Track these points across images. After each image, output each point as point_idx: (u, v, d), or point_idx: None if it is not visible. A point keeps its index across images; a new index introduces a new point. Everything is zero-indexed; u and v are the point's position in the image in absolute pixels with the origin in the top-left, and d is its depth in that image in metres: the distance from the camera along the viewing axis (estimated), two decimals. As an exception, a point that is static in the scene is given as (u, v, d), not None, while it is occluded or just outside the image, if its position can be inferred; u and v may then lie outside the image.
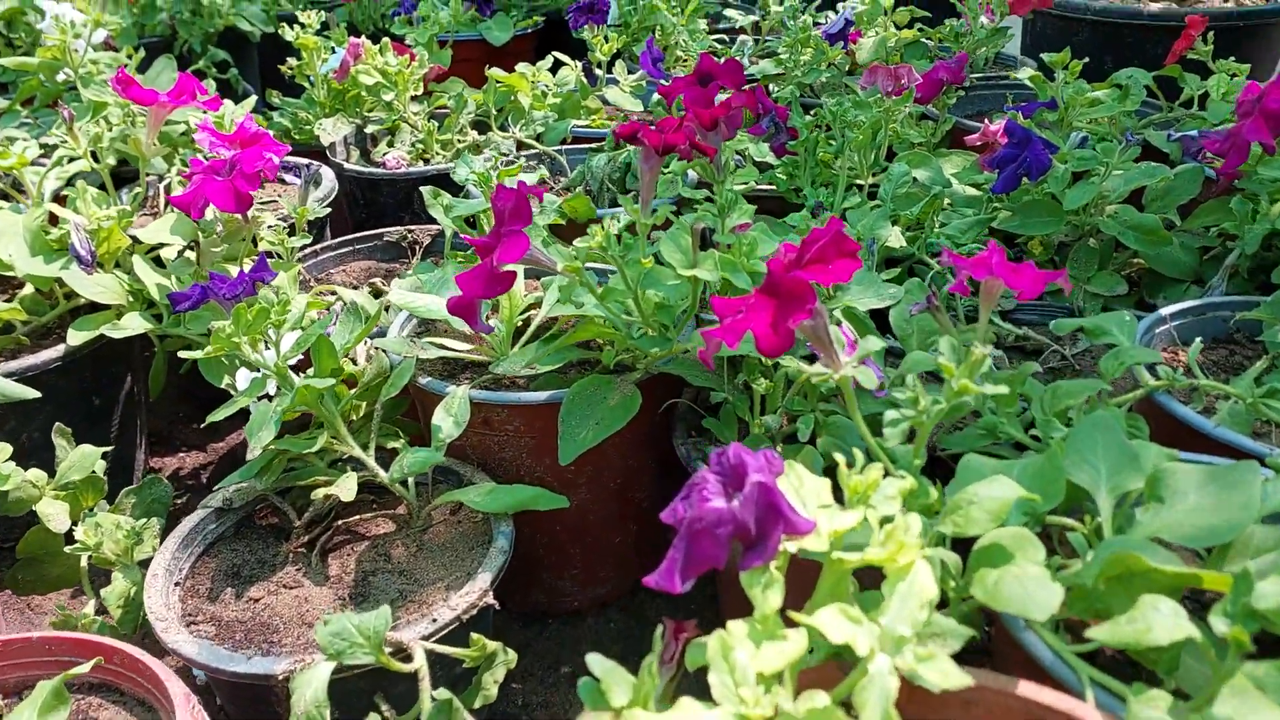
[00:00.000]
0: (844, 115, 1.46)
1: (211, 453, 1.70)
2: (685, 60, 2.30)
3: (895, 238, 1.43)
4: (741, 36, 2.18)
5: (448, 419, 1.11)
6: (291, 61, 2.03)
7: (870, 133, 1.53)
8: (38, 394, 1.21)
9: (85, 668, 0.88)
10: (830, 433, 1.06)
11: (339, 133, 1.92)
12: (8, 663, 0.93)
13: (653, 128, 1.03)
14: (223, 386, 1.24)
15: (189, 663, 0.93)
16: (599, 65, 2.06)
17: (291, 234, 1.45)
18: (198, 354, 1.11)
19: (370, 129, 1.97)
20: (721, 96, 1.36)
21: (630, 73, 2.11)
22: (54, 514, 1.14)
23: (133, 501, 1.24)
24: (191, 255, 1.46)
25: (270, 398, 1.18)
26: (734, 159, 1.59)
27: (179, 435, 1.74)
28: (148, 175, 1.59)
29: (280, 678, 0.90)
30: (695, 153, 1.02)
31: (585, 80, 2.03)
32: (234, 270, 1.37)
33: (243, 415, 1.77)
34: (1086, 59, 1.73)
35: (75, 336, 1.33)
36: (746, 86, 1.60)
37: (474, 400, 1.12)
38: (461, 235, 1.42)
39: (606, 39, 2.01)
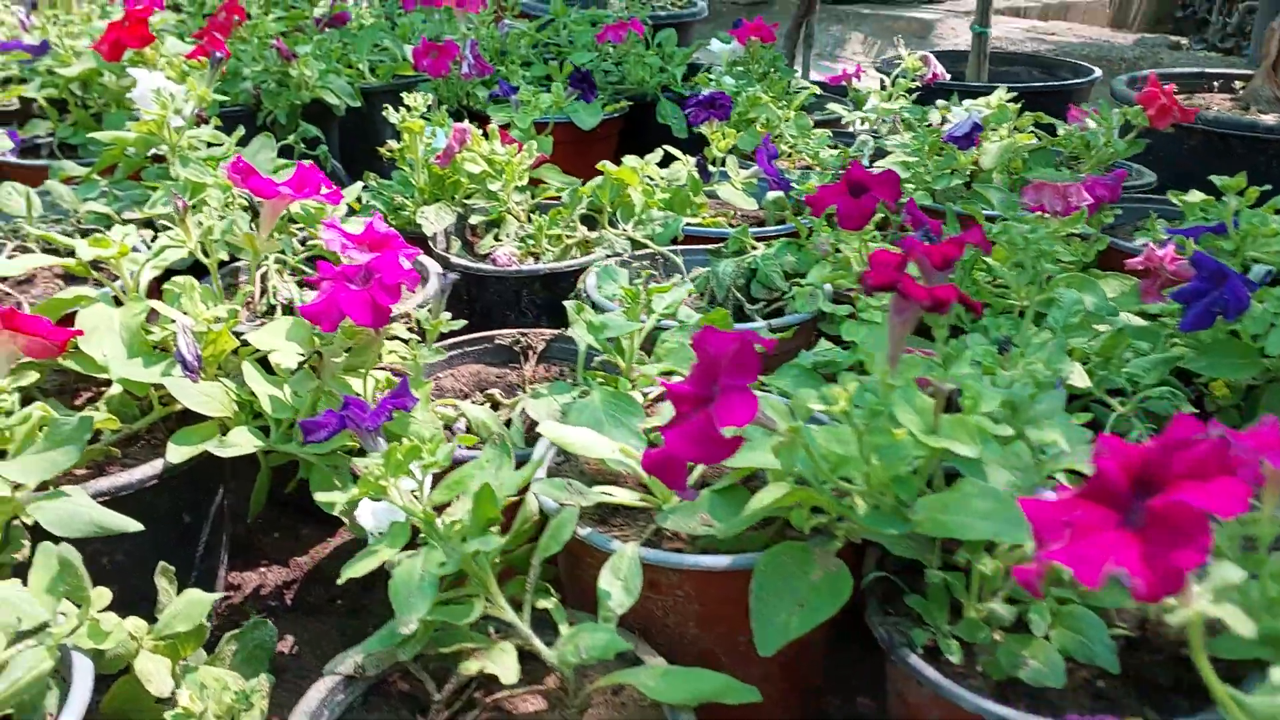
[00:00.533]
0: (1028, 238, 1.34)
1: (294, 568, 1.55)
2: (791, 155, 2.20)
3: (1079, 376, 1.29)
4: (862, 136, 2.08)
5: (616, 584, 0.97)
6: (391, 144, 1.93)
7: (1037, 255, 1.41)
8: (140, 526, 1.07)
9: None
10: (1067, 626, 0.92)
11: (442, 222, 1.80)
12: None
13: (894, 269, 0.90)
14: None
15: None
16: (714, 161, 1.95)
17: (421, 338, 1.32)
18: (339, 496, 0.97)
19: (474, 219, 1.85)
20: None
21: (742, 168, 2.00)
22: (154, 673, 0.99)
23: (234, 649, 1.09)
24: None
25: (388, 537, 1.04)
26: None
27: (258, 543, 1.59)
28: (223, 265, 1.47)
29: None
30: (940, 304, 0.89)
31: (697, 175, 1.92)
32: (356, 385, 1.24)
33: (324, 526, 1.66)
34: (1192, 168, 1.63)
35: (177, 453, 1.19)
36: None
37: (643, 561, 0.98)
38: (596, 351, 1.29)
39: (724, 134, 1.91)
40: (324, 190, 1.34)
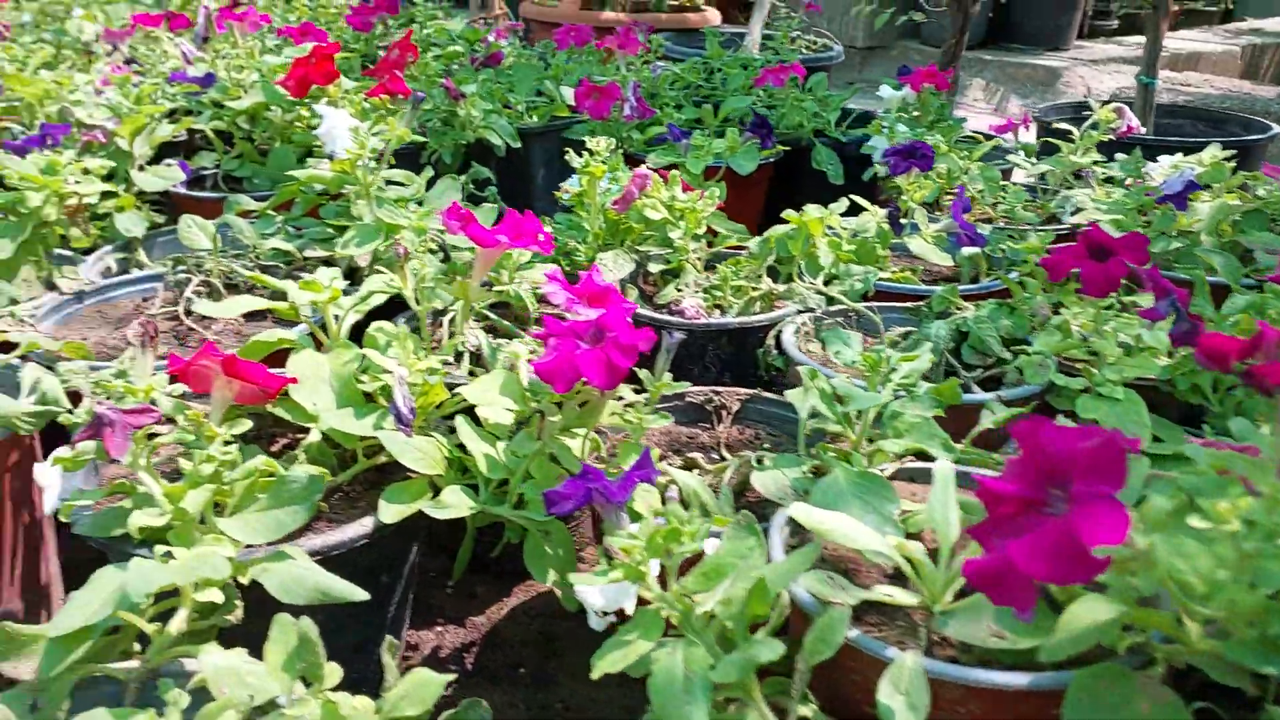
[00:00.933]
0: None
1: (471, 628, 1.48)
2: (976, 206, 2.08)
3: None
4: (1065, 192, 1.95)
5: (898, 698, 0.85)
6: (568, 186, 1.87)
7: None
8: (368, 596, 1.00)
9: None
10: None
11: (620, 270, 1.73)
12: None
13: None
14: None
15: None
16: (908, 212, 1.84)
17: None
18: (591, 580, 0.89)
19: (653, 267, 1.78)
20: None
21: (931, 221, 1.89)
22: (383, 761, 0.91)
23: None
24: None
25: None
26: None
27: (433, 599, 1.52)
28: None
29: None
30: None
31: (888, 227, 1.82)
32: (575, 446, 1.16)
33: (499, 583, 1.58)
34: None
35: (390, 512, 1.12)
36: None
37: (933, 678, 0.87)
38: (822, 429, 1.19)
39: (920, 184, 1.80)
40: (539, 238, 1.27)
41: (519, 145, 2.38)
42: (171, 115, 2.44)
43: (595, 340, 1.09)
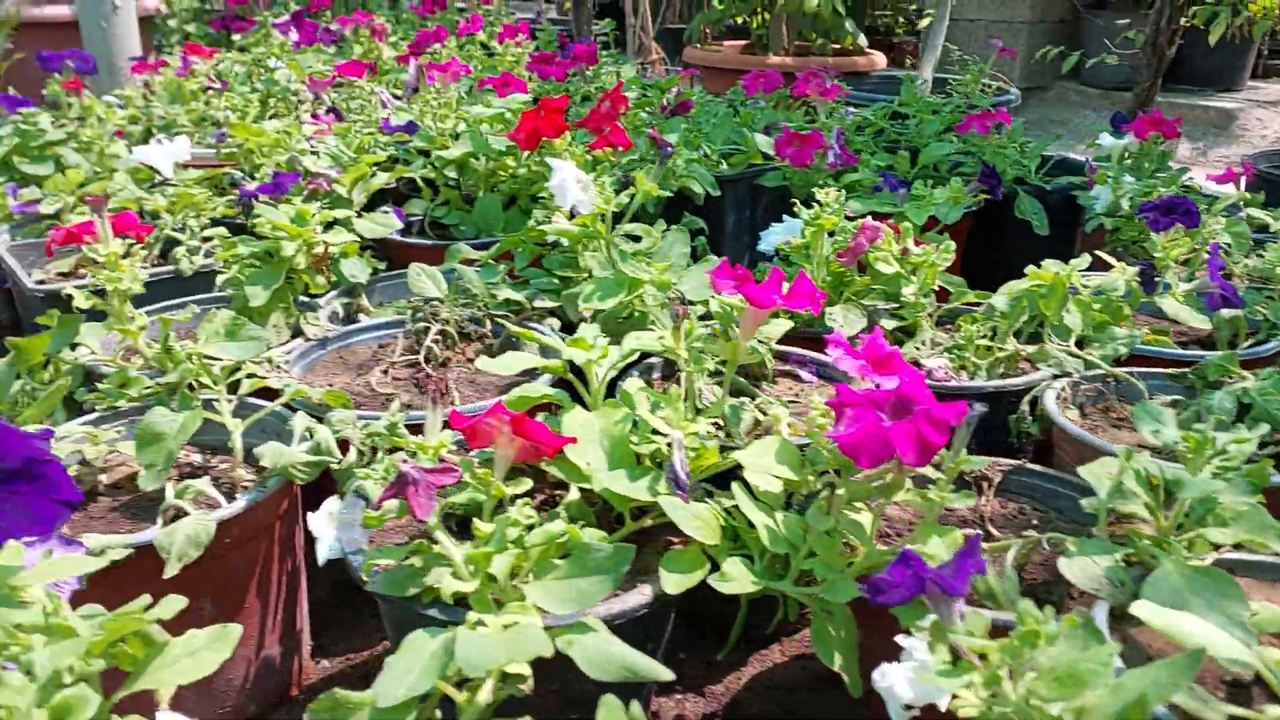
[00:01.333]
0: None
1: (711, 698, 1.43)
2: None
3: None
4: (1336, 253, 1.80)
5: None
6: (788, 239, 1.83)
7: None
8: (673, 675, 0.96)
9: None
10: None
11: (853, 326, 1.68)
12: None
13: None
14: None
15: None
16: (1164, 268, 1.73)
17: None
18: (947, 684, 0.82)
19: (886, 324, 1.71)
20: None
21: (1182, 280, 1.77)
22: None
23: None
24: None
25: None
26: None
27: (671, 664, 1.48)
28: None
29: None
30: None
31: (1139, 287, 1.70)
32: (865, 523, 1.10)
33: (736, 650, 1.53)
34: None
35: (671, 583, 1.08)
36: None
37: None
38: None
39: (1178, 241, 1.69)
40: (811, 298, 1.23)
41: (718, 194, 2.36)
42: (387, 164, 2.52)
43: (898, 413, 1.04)
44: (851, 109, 2.88)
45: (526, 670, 0.94)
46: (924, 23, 4.68)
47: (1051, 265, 1.73)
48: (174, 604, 0.85)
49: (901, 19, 7.40)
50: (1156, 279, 1.74)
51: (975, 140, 2.61)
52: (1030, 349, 1.63)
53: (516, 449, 1.14)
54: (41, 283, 1.82)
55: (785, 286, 1.26)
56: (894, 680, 0.96)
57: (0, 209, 2.28)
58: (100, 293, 1.44)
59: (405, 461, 1.04)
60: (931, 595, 0.91)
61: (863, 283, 1.81)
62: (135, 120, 2.96)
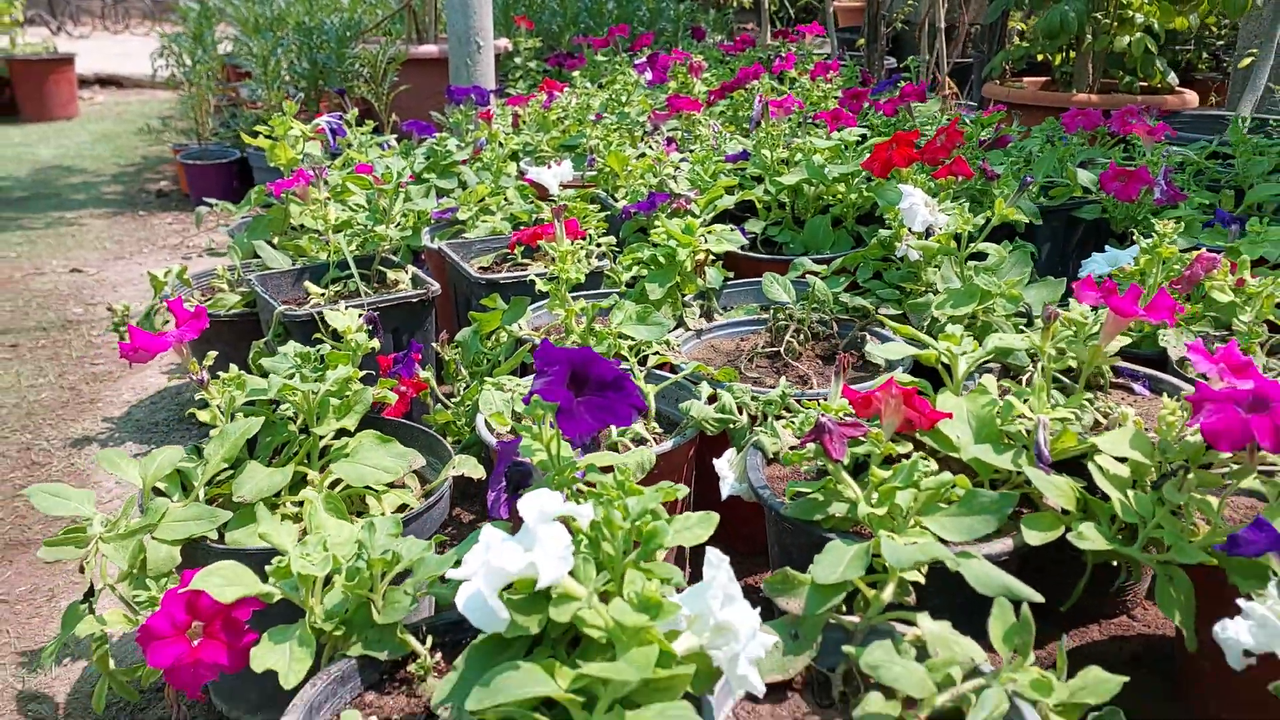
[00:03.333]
0: None
1: (1037, 661, 1.62)
2: None
3: None
4: None
5: None
6: (1119, 268, 1.98)
7: None
8: (1042, 599, 1.19)
9: None
10: None
11: (1183, 350, 1.81)
12: None
13: None
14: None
15: None
16: None
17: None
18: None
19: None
20: None
21: None
22: (1073, 737, 1.08)
23: (1100, 732, 1.16)
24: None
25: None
26: None
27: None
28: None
29: None
30: None
31: None
32: (1213, 501, 1.28)
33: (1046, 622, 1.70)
34: None
35: (1034, 537, 1.31)
36: None
37: None
38: None
39: None
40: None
41: (1039, 223, 2.53)
42: (732, 189, 2.88)
43: (1255, 407, 1.21)
44: (1171, 147, 2.94)
45: (919, 578, 1.21)
46: (1245, 62, 4.54)
47: None
48: (680, 491, 1.18)
49: (1206, 54, 7.05)
50: None
51: (1309, 179, 2.61)
52: None
53: (900, 418, 1.41)
54: (484, 270, 2.30)
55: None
56: (1236, 631, 1.14)
57: (423, 216, 2.84)
58: (552, 279, 1.86)
59: (823, 415, 1.33)
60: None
61: (1193, 310, 1.94)
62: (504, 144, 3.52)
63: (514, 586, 1.02)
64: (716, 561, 1.01)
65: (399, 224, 2.52)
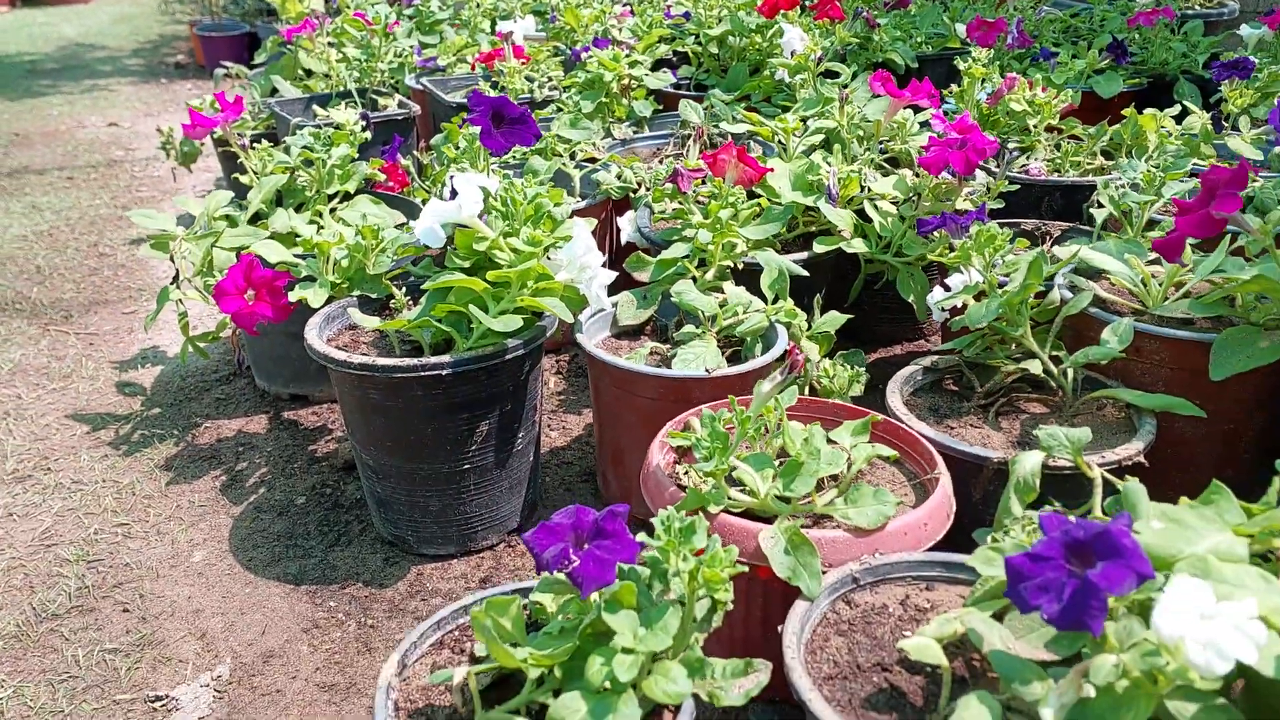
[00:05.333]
0: None
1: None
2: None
3: None
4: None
5: (1114, 338, 1.50)
6: (954, 87, 2.55)
7: None
8: (805, 273, 1.79)
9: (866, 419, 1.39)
10: None
11: (984, 145, 2.39)
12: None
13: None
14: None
15: (928, 440, 1.41)
16: (1227, 117, 2.31)
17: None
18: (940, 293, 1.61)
19: (1010, 144, 2.41)
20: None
21: (1253, 126, 2.33)
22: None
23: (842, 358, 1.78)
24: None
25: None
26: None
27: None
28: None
29: (995, 460, 1.35)
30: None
31: (1210, 128, 2.30)
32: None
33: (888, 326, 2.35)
34: None
35: (819, 249, 1.92)
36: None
37: (1138, 330, 1.50)
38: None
39: (1242, 92, 2.27)
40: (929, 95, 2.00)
41: (916, 66, 3.07)
42: (666, 40, 3.41)
43: (960, 148, 1.80)
44: (1045, 7, 3.45)
45: (735, 265, 1.82)
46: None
47: (1151, 112, 2.36)
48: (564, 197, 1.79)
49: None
50: (1225, 124, 2.32)
51: (1146, 33, 3.14)
52: (1109, 164, 2.28)
53: (739, 174, 2.00)
54: (453, 100, 2.87)
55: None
56: (937, 295, 1.75)
57: (409, 63, 3.38)
58: (501, 90, 2.43)
59: (678, 164, 1.93)
60: (950, 229, 1.68)
61: (1004, 122, 2.51)
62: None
63: (456, 248, 1.63)
64: (581, 225, 1.62)
65: (389, 61, 3.07)
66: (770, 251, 1.82)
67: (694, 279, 1.81)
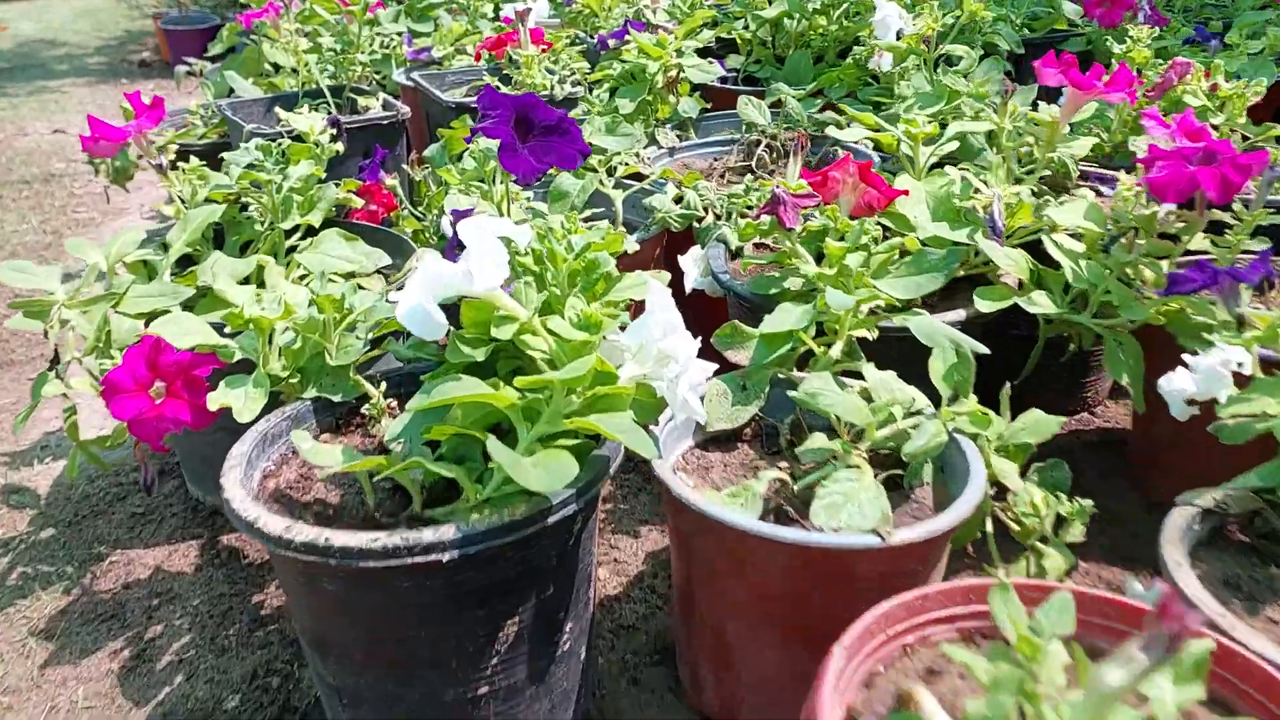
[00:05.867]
0: None
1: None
2: None
3: None
4: None
5: None
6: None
7: None
8: (987, 350, 1.21)
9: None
10: None
11: (1155, 151, 1.80)
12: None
13: None
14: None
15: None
16: None
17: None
18: (1183, 375, 1.03)
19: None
20: None
21: None
22: (1007, 472, 1.12)
23: (1037, 478, 1.20)
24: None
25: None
26: None
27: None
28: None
29: None
30: None
31: None
32: (1163, 264, 1.29)
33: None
34: None
35: (985, 305, 1.33)
36: None
37: None
38: None
39: None
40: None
41: (1022, 51, 2.48)
42: (712, 24, 2.82)
43: (1205, 161, 1.21)
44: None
45: (869, 334, 1.23)
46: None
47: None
48: (627, 244, 1.20)
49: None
50: None
51: (1302, 8, 2.55)
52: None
53: (858, 197, 1.41)
54: (452, 100, 2.27)
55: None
56: (1179, 382, 1.16)
57: (398, 56, 2.79)
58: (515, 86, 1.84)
59: (778, 188, 1.34)
60: (1222, 289, 1.10)
61: (1165, 112, 1.92)
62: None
63: (464, 328, 1.04)
64: (658, 289, 1.03)
65: (370, 52, 2.48)
66: (928, 317, 1.23)
67: (809, 351, 1.22)
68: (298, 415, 1.13)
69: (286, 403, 1.18)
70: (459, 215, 1.27)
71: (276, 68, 2.66)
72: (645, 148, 2.02)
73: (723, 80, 2.61)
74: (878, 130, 1.60)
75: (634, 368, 1.04)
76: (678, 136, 2.29)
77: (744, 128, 2.04)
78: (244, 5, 4.51)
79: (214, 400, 1.12)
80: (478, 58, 2.17)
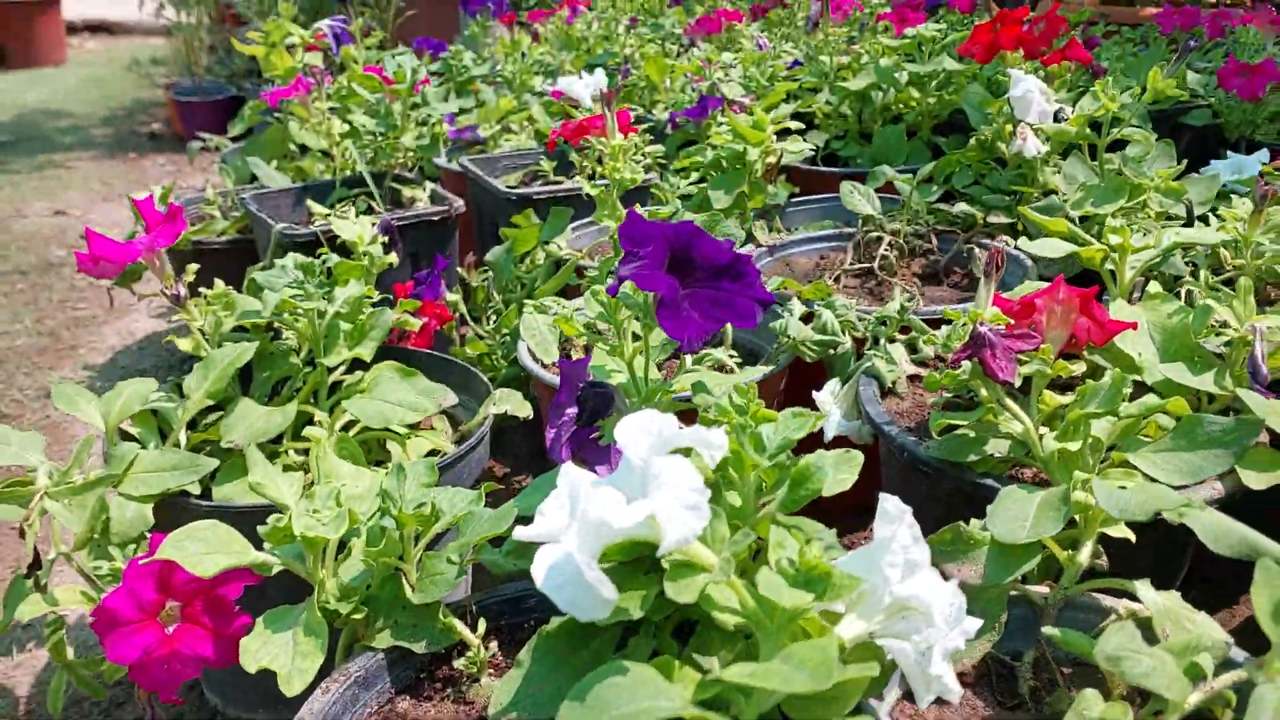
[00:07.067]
0: None
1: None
2: None
3: None
4: None
5: None
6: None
7: None
8: (1305, 560, 0.88)
9: None
10: None
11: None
12: None
13: None
14: None
15: None
16: None
17: None
18: None
19: None
20: None
21: None
22: None
23: None
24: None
25: None
26: None
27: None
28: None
29: None
30: None
31: None
32: None
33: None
34: None
35: (1257, 480, 1.00)
36: None
37: None
38: None
39: None
40: None
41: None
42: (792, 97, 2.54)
43: None
44: (1283, 46, 2.59)
45: (1129, 534, 0.91)
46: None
47: None
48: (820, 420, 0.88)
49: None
50: None
51: None
52: None
53: (1068, 330, 1.10)
54: (511, 188, 1.98)
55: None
56: None
57: (440, 134, 2.51)
58: (600, 182, 1.54)
59: (981, 324, 1.02)
60: None
61: None
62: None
63: (607, 558, 0.72)
64: (896, 514, 0.71)
65: (416, 134, 2.19)
66: (1215, 514, 0.90)
67: (1057, 567, 0.90)
68: (366, 676, 0.80)
69: (341, 631, 0.86)
70: (571, 369, 0.96)
71: (303, 149, 2.39)
72: (742, 246, 1.72)
73: (810, 161, 2.33)
74: (1070, 238, 1.29)
75: (857, 624, 0.72)
76: (766, 227, 1.99)
77: (860, 224, 1.74)
78: (260, 75, 4.26)
79: (249, 656, 0.79)
80: (551, 146, 1.88)
